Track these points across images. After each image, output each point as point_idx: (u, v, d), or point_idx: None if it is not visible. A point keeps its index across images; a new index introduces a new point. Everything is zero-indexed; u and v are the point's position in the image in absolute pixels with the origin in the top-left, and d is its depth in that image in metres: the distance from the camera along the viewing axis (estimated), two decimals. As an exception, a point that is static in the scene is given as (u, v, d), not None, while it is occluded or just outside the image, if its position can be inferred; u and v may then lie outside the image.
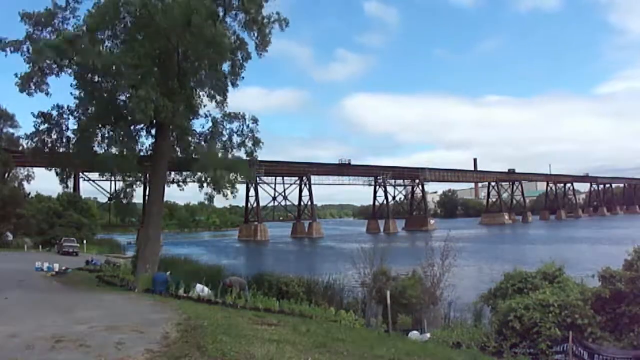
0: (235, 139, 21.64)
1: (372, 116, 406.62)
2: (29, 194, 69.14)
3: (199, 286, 18.35)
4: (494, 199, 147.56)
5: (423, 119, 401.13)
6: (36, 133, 21.47)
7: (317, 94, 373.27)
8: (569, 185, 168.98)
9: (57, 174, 22.73)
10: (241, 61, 20.74)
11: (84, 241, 51.05)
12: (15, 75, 19.14)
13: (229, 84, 20.94)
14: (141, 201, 51.53)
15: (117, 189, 24.75)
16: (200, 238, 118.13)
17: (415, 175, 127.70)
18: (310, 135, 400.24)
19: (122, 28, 19.77)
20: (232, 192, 20.56)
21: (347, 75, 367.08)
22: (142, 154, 22.78)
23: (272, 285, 20.11)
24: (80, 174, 74.53)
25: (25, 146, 26.29)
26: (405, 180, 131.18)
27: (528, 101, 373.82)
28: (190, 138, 22.12)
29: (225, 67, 20.78)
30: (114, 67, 18.58)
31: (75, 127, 21.59)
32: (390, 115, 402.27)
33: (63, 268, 28.36)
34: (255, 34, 20.24)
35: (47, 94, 20.13)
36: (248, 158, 22.26)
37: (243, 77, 21.23)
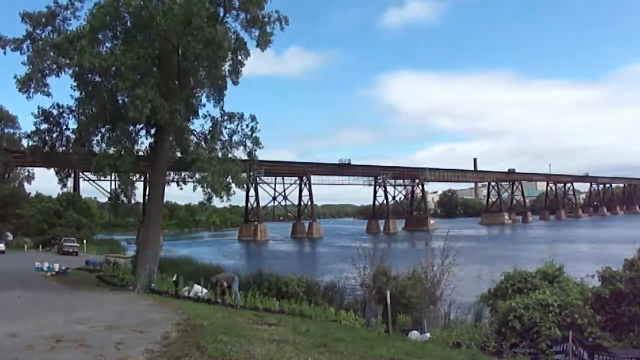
0: (235, 138, 21.60)
1: (411, 100, 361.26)
2: (29, 193, 69.25)
3: (196, 287, 18.49)
4: (494, 199, 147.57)
5: (462, 102, 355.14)
6: (36, 132, 21.51)
7: (347, 61, 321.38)
8: (569, 185, 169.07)
9: (56, 173, 22.75)
10: (242, 60, 20.73)
11: (84, 241, 51.08)
12: (15, 76, 19.17)
13: (230, 82, 20.93)
14: (141, 201, 51.60)
15: (115, 188, 24.67)
16: (200, 238, 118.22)
17: (415, 175, 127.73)
18: (330, 120, 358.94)
19: (121, 29, 19.78)
20: (227, 195, 20.58)
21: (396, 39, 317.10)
22: (141, 154, 22.78)
23: (272, 285, 20.10)
24: (80, 174, 74.51)
25: (25, 145, 26.33)
26: (405, 180, 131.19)
27: (585, 84, 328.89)
28: (189, 138, 22.10)
29: (226, 66, 20.77)
30: (113, 68, 18.58)
31: (75, 126, 21.66)
32: (430, 97, 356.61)
33: (63, 268, 28.37)
34: (257, 33, 20.24)
35: (47, 95, 20.16)
36: (248, 158, 22.25)
37: (240, 78, 21.20)
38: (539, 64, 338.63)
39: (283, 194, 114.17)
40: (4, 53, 19.88)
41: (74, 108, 21.40)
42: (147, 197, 25.54)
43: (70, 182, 71.92)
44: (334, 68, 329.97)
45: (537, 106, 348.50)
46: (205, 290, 18.32)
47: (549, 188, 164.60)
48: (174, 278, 20.34)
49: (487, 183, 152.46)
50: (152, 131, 21.73)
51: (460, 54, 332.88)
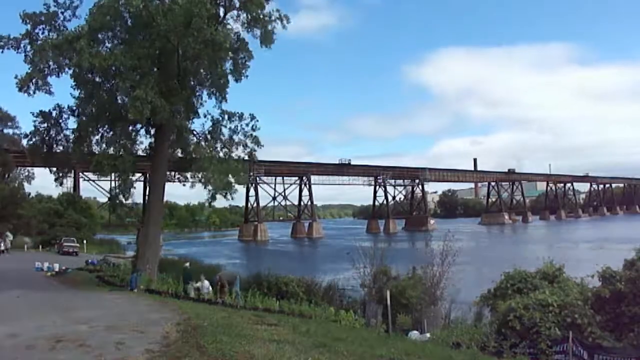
0: (235, 138, 21.61)
1: (445, 80, 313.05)
2: (29, 193, 69.20)
3: (206, 282, 18.50)
4: (494, 199, 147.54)
5: (499, 82, 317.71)
6: (35, 132, 21.51)
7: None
8: (568, 185, 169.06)
9: (51, 172, 22.76)
10: (243, 61, 20.73)
11: (84, 241, 51.03)
12: (16, 77, 19.15)
13: (233, 80, 20.93)
14: (142, 201, 51.60)
15: (115, 188, 24.73)
16: (201, 238, 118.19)
17: (415, 175, 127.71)
18: (345, 104, 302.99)
19: (122, 29, 19.78)
20: (230, 193, 20.58)
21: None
22: (141, 153, 22.79)
23: (272, 285, 20.11)
24: (80, 174, 74.53)
25: (24, 145, 26.37)
26: (405, 180, 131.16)
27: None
28: (189, 138, 22.11)
29: (227, 66, 20.76)
30: (113, 68, 18.58)
31: (75, 126, 21.67)
32: (467, 75, 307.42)
33: (63, 268, 28.37)
34: (259, 32, 20.25)
35: (49, 93, 20.15)
36: (248, 158, 22.27)
37: (247, 76, 21.19)
38: (591, 40, 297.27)
39: (283, 194, 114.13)
40: (2, 52, 19.89)
41: (74, 108, 21.42)
42: (147, 197, 25.55)
43: (69, 182, 72.22)
44: (359, 32, 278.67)
45: (574, 93, 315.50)
46: (209, 287, 18.36)
47: (549, 188, 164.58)
48: (187, 264, 20.31)
49: (487, 183, 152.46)
50: (152, 131, 21.75)
51: (513, 21, 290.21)
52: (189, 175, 23.18)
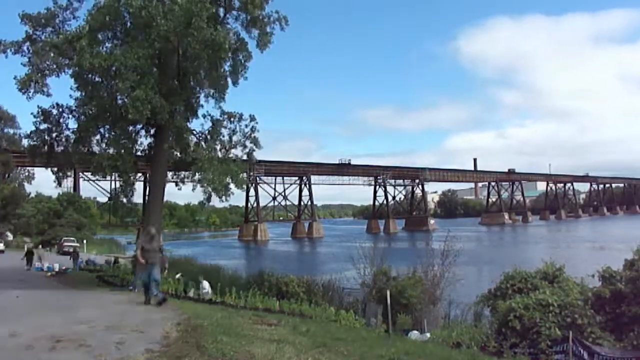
0: (235, 138, 21.60)
1: (488, 57, 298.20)
2: (29, 193, 69.30)
3: (205, 283, 18.56)
4: (494, 199, 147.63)
5: (541, 59, 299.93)
6: (36, 132, 21.50)
7: None
8: (569, 185, 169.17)
9: (53, 173, 22.75)
10: (242, 61, 20.74)
11: (84, 241, 51.10)
12: (15, 77, 19.13)
13: (230, 83, 20.93)
14: (141, 201, 51.58)
15: (115, 188, 24.68)
16: (201, 238, 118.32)
17: (415, 175, 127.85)
18: (363, 90, 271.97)
19: (121, 29, 19.77)
20: (226, 195, 20.59)
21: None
22: (141, 153, 22.78)
23: (272, 285, 20.12)
24: (80, 174, 74.59)
25: (25, 145, 26.34)
26: (405, 180, 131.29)
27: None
28: (189, 138, 22.10)
29: (227, 66, 20.76)
30: (113, 68, 18.57)
31: (75, 126, 21.66)
32: (508, 53, 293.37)
33: (63, 268, 28.41)
34: (256, 34, 20.23)
35: (47, 95, 20.15)
36: (247, 158, 22.25)
37: (246, 78, 21.22)
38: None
39: (283, 194, 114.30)
40: (6, 57, 19.92)
41: (74, 108, 21.41)
42: (147, 197, 25.53)
43: (69, 182, 72.29)
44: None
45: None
46: (208, 289, 18.41)
47: (549, 188, 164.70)
48: (178, 276, 20.36)
49: (487, 183, 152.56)
50: (152, 131, 21.73)
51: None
52: (185, 177, 23.11)
